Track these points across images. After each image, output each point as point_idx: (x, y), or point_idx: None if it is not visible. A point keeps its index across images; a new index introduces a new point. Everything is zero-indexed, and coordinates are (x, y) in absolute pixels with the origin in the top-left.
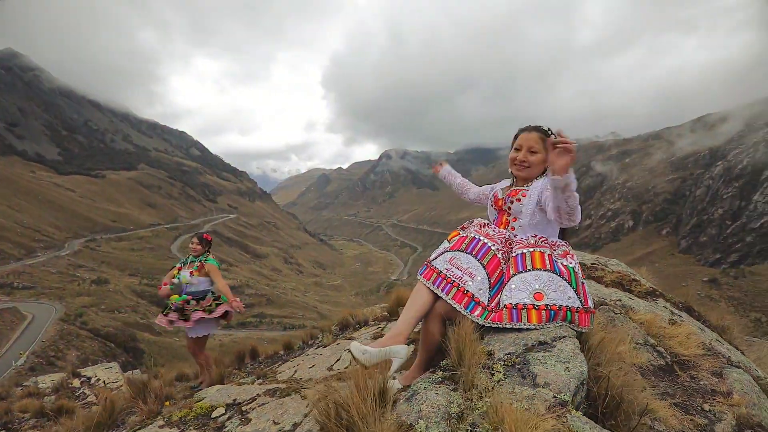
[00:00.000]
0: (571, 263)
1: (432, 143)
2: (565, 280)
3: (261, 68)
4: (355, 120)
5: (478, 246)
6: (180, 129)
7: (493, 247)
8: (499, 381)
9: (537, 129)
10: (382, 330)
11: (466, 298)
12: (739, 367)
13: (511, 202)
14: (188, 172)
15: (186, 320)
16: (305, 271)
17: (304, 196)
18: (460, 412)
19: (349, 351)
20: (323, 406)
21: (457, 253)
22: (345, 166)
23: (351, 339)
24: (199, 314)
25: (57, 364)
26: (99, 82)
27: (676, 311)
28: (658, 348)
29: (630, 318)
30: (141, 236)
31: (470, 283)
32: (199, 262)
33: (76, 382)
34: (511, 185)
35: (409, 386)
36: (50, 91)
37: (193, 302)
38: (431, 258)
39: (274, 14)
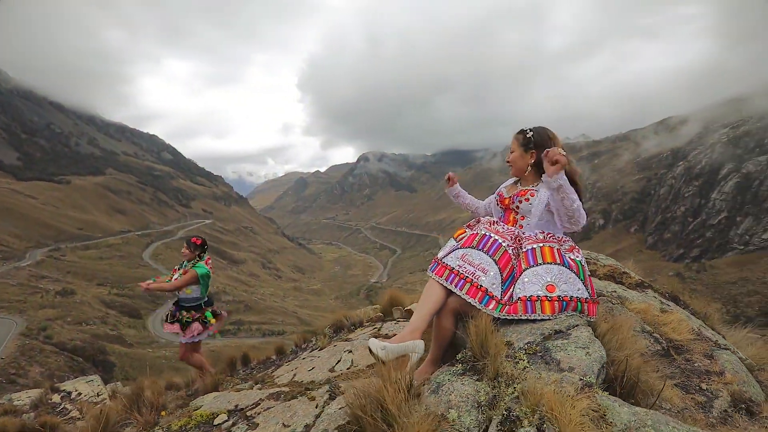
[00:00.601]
0: (578, 257)
1: (409, 146)
2: (573, 272)
3: (235, 70)
4: (332, 123)
5: (489, 242)
6: (150, 132)
7: (503, 244)
8: (524, 368)
9: (518, 132)
10: (378, 330)
11: (480, 292)
12: (727, 349)
13: (520, 201)
14: (160, 176)
15: (185, 328)
16: (284, 275)
17: (282, 200)
18: (489, 400)
19: (368, 347)
20: (352, 398)
21: (468, 249)
22: (323, 170)
23: (347, 341)
24: (196, 326)
25: (18, 382)
26: (61, 83)
27: (665, 300)
28: (654, 334)
29: (626, 308)
30: (110, 244)
31: (483, 278)
32: (184, 269)
33: (56, 398)
34: (516, 184)
35: (428, 380)
36: (7, 91)
37: (185, 313)
38: (440, 256)
39: (248, 15)
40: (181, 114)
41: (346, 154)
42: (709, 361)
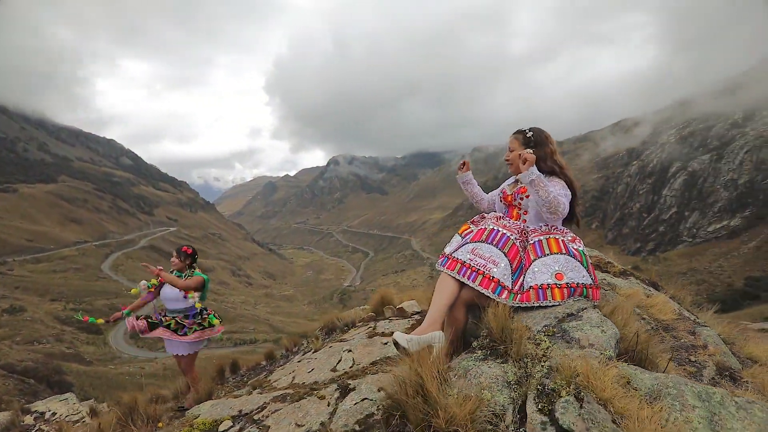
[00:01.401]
0: (580, 247)
1: (379, 148)
2: (578, 261)
3: (199, 72)
4: (301, 126)
5: (498, 236)
6: (108, 136)
7: (511, 237)
8: (547, 348)
9: (516, 132)
10: (374, 329)
11: (493, 283)
12: (705, 326)
13: (521, 198)
14: (119, 183)
15: (184, 335)
16: (255, 282)
17: (251, 205)
18: (518, 379)
19: (394, 339)
20: (393, 384)
21: (478, 244)
22: (292, 173)
23: (343, 341)
24: (198, 334)
25: None
26: (5, 85)
27: (646, 286)
28: (644, 316)
29: (617, 293)
30: (64, 256)
31: (495, 270)
32: (186, 278)
33: (29, 419)
34: (517, 182)
35: (450, 367)
36: None
37: (188, 320)
38: (448, 251)
39: (209, 14)
40: (141, 117)
41: (316, 157)
42: (693, 337)
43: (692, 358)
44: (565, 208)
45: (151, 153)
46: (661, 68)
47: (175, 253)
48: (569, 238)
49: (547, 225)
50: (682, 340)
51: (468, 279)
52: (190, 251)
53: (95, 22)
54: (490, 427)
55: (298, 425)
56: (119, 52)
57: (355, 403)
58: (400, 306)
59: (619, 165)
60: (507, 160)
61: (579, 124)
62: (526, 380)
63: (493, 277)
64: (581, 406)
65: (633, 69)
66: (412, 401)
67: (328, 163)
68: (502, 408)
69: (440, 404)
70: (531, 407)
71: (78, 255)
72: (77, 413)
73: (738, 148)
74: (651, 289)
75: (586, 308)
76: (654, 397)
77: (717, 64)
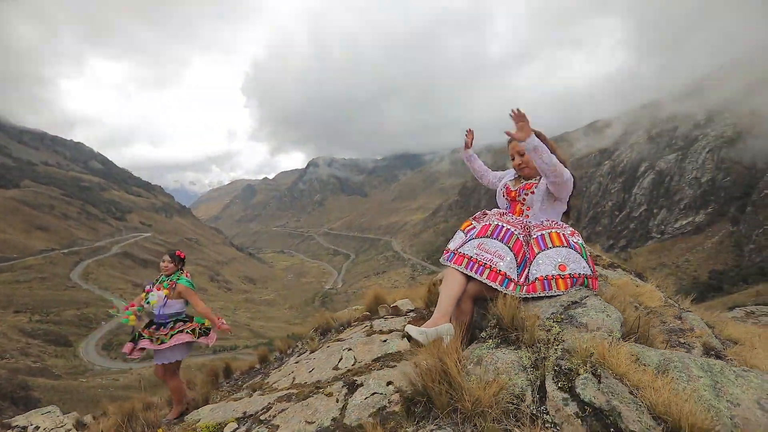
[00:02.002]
0: (579, 240)
1: (359, 150)
2: (578, 253)
3: (174, 73)
4: (280, 128)
5: (503, 232)
6: (76, 139)
7: (515, 232)
8: (558, 332)
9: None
10: (371, 328)
11: (500, 276)
12: (689, 312)
13: (526, 194)
14: (89, 187)
15: (161, 343)
16: (234, 287)
17: (229, 208)
18: (533, 363)
19: (407, 333)
20: (417, 372)
21: (484, 239)
22: (271, 176)
23: (340, 341)
24: (185, 337)
25: None
26: None
27: (633, 277)
28: (635, 304)
29: (609, 283)
30: (29, 265)
31: (501, 263)
32: (170, 281)
33: None
34: (518, 179)
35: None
36: None
37: (170, 325)
38: (453, 247)
39: (185, 14)
40: (112, 120)
41: (295, 159)
42: (680, 321)
43: (682, 340)
44: (569, 179)
45: (123, 156)
46: (629, 72)
47: (169, 258)
48: (569, 232)
49: (549, 220)
50: (670, 324)
51: (476, 273)
52: (183, 255)
53: (61, 20)
54: (513, 407)
55: (309, 422)
56: (89, 52)
57: (366, 398)
58: (394, 305)
59: (592, 165)
60: (520, 165)
61: (554, 126)
62: (542, 363)
63: (499, 270)
64: (599, 381)
65: (604, 72)
66: (438, 387)
67: (308, 166)
68: (521, 390)
69: (465, 389)
70: (551, 386)
71: (44, 263)
72: (62, 426)
73: (701, 148)
74: (637, 279)
75: (588, 296)
76: (662, 370)
77: (681, 68)
